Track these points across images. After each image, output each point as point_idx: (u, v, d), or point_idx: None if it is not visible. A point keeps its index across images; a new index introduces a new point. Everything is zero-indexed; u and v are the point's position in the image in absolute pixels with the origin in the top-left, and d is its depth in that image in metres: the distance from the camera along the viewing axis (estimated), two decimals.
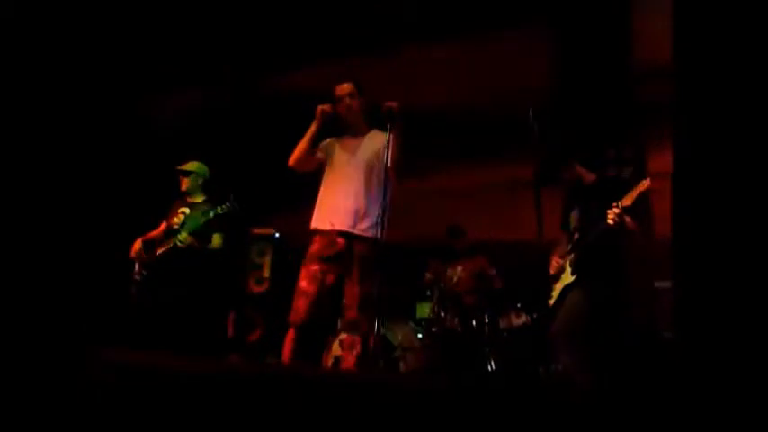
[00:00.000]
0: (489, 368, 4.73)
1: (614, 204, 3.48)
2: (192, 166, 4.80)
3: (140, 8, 5.10)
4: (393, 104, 3.49)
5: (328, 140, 3.80)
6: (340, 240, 3.54)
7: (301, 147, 3.69)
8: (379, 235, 3.45)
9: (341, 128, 3.82)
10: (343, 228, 3.55)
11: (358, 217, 3.55)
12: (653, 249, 5.01)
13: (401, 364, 4.59)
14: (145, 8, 5.11)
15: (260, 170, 4.25)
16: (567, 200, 3.96)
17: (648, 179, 3.46)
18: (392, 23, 5.62)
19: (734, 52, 2.16)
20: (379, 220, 3.43)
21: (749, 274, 2.07)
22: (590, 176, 3.87)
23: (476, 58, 5.78)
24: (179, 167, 4.78)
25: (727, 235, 2.11)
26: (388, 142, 3.46)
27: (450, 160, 6.05)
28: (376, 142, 3.66)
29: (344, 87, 3.75)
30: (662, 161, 5.31)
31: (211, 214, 4.44)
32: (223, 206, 4.41)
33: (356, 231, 3.55)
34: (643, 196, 3.46)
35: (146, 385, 2.46)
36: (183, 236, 4.51)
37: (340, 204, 3.59)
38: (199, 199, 4.76)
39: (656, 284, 4.67)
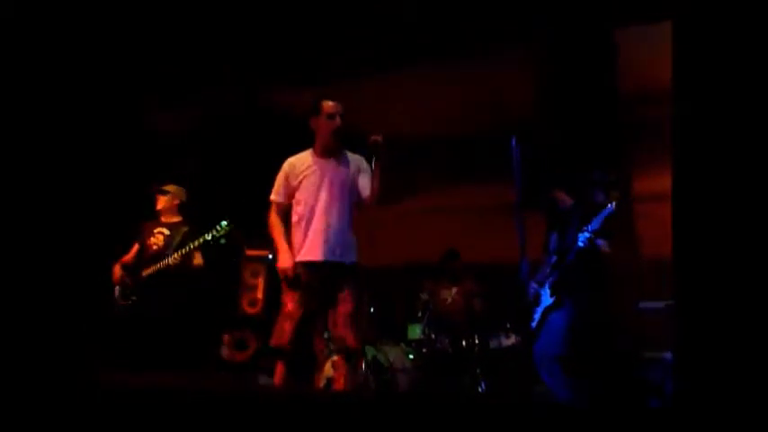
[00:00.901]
0: (480, 389, 4.74)
1: (584, 228, 3.61)
2: (170, 186, 4.82)
3: (143, 14, 5.11)
4: (378, 138, 3.43)
5: (297, 160, 3.64)
6: (323, 268, 3.48)
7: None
8: (354, 258, 3.51)
9: (315, 144, 3.64)
10: (326, 257, 3.48)
11: (338, 243, 3.49)
12: (638, 270, 5.08)
13: (392, 386, 4.58)
14: (147, 13, 5.13)
15: (252, 190, 4.22)
16: (548, 224, 4.05)
17: (614, 202, 3.60)
18: (385, 47, 5.69)
19: (733, 70, 2.22)
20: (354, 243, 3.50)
21: (750, 291, 2.11)
22: (568, 200, 3.95)
23: (467, 80, 5.87)
24: (157, 187, 4.80)
25: (728, 252, 2.15)
26: (373, 174, 3.48)
27: (442, 181, 6.10)
28: (350, 166, 3.59)
29: (338, 105, 3.57)
30: (648, 184, 5.43)
31: (209, 237, 4.35)
32: (219, 228, 4.31)
33: (338, 259, 3.49)
34: (609, 218, 3.57)
35: (137, 404, 2.44)
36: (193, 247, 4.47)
37: (320, 232, 3.51)
38: (175, 219, 4.77)
39: (642, 305, 4.73)
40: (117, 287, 4.64)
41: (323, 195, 3.53)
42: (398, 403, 3.41)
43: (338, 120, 3.54)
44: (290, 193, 3.59)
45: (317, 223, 3.51)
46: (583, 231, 3.62)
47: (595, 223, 3.60)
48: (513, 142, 3.33)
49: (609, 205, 3.62)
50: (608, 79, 5.63)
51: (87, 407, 2.50)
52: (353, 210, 3.59)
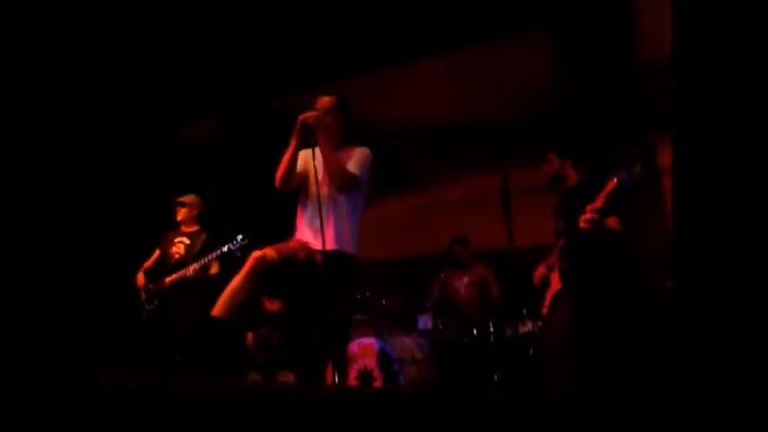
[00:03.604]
0: (495, 378, 4.74)
1: (587, 207, 3.49)
2: (188, 198, 5.33)
3: (150, 17, 5.24)
4: (305, 116, 3.43)
5: (306, 151, 3.66)
6: (316, 257, 3.48)
7: (282, 164, 3.56)
8: (348, 250, 3.49)
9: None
10: (313, 245, 3.50)
11: (325, 234, 3.45)
12: (667, 249, 5.00)
13: (401, 377, 4.62)
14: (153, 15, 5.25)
15: (267, 192, 4.30)
16: (556, 207, 3.98)
17: (615, 179, 3.47)
18: (393, 37, 5.72)
19: (734, 48, 2.18)
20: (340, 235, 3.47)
21: (752, 272, 2.09)
22: (572, 178, 3.88)
23: (476, 67, 5.87)
24: (178, 199, 5.31)
25: (729, 232, 2.13)
26: (314, 156, 3.46)
27: (450, 170, 6.13)
28: (342, 158, 3.57)
29: (320, 101, 3.63)
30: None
31: (225, 249, 4.72)
32: (235, 242, 4.66)
33: (323, 247, 3.45)
34: (614, 196, 3.44)
35: (157, 407, 2.51)
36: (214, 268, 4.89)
37: (306, 222, 3.59)
38: (194, 228, 5.29)
39: (670, 284, 4.67)
40: (141, 293, 5.17)
41: (310, 188, 3.58)
42: (405, 396, 3.46)
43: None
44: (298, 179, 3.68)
45: (308, 215, 3.59)
46: (584, 211, 3.52)
47: (598, 201, 3.51)
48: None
49: (613, 181, 3.46)
50: (626, 53, 5.55)
51: (87, 407, 2.57)
52: (348, 203, 3.56)
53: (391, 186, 6.08)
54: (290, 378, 4.79)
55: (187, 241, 5.23)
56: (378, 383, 4.57)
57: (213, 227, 5.28)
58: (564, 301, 3.66)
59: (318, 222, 3.45)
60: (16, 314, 3.52)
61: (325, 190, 3.53)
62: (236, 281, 3.39)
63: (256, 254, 3.39)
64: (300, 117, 3.46)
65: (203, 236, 5.20)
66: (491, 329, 4.92)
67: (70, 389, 2.62)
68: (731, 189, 2.16)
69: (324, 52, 6.00)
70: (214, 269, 4.89)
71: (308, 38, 5.91)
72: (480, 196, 5.65)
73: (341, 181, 3.48)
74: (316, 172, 3.53)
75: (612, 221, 3.52)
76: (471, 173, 5.88)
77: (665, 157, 5.27)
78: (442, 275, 5.46)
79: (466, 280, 5.45)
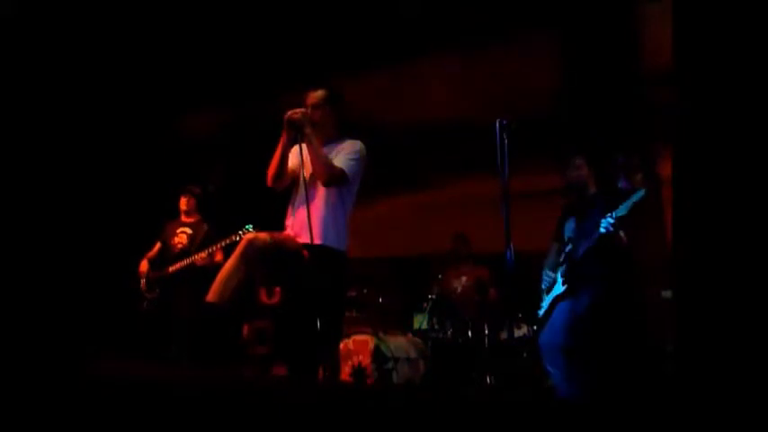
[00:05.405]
0: (488, 380, 4.83)
1: (609, 214, 3.54)
2: (194, 188, 5.51)
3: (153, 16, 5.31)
4: (291, 113, 3.42)
5: (296, 147, 3.60)
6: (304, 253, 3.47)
7: (273, 162, 3.56)
8: (335, 245, 3.47)
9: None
10: (302, 240, 3.49)
11: (312, 229, 3.43)
12: (664, 258, 5.08)
13: (394, 375, 4.70)
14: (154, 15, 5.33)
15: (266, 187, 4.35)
16: (564, 210, 4.05)
17: (644, 190, 3.53)
18: (393, 37, 5.79)
19: (734, 58, 2.26)
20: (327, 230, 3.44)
21: (750, 280, 2.16)
22: (593, 185, 3.94)
23: (478, 69, 5.93)
24: (186, 187, 5.46)
25: (728, 241, 2.20)
26: (301, 152, 3.45)
27: (451, 171, 6.20)
28: (334, 152, 3.55)
29: (310, 96, 3.61)
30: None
31: (236, 239, 4.75)
32: (244, 231, 4.72)
33: (311, 242, 3.43)
34: (638, 207, 3.49)
35: (150, 398, 2.56)
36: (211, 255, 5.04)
37: (294, 217, 3.58)
38: (194, 218, 5.42)
39: (663, 294, 4.76)
40: (143, 280, 5.31)
41: (300, 182, 3.56)
42: (396, 393, 3.52)
43: (308, 111, 3.55)
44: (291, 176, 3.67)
45: (294, 209, 3.60)
46: (606, 217, 3.53)
47: (623, 209, 3.50)
48: (498, 125, 3.33)
49: (640, 191, 3.51)
50: (628, 61, 5.62)
51: (78, 399, 2.62)
52: (338, 197, 3.55)
53: (391, 185, 6.16)
54: (283, 371, 4.84)
55: (189, 231, 5.35)
56: (371, 380, 4.64)
57: (213, 218, 5.38)
58: (564, 303, 3.76)
59: (306, 217, 3.43)
60: (12, 308, 3.59)
61: (312, 185, 3.52)
62: (228, 264, 3.38)
63: (249, 236, 3.41)
64: (286, 114, 3.45)
65: (205, 226, 5.32)
66: (486, 331, 5.00)
67: (62, 380, 2.67)
68: (731, 197, 2.22)
69: (324, 52, 6.04)
70: (218, 257, 4.98)
71: (308, 37, 5.96)
72: (480, 198, 5.72)
73: (326, 176, 3.46)
74: (303, 168, 3.51)
75: (622, 232, 3.61)
76: (472, 174, 5.94)
77: (666, 169, 5.36)
78: (441, 276, 5.53)
79: (464, 279, 5.53)
